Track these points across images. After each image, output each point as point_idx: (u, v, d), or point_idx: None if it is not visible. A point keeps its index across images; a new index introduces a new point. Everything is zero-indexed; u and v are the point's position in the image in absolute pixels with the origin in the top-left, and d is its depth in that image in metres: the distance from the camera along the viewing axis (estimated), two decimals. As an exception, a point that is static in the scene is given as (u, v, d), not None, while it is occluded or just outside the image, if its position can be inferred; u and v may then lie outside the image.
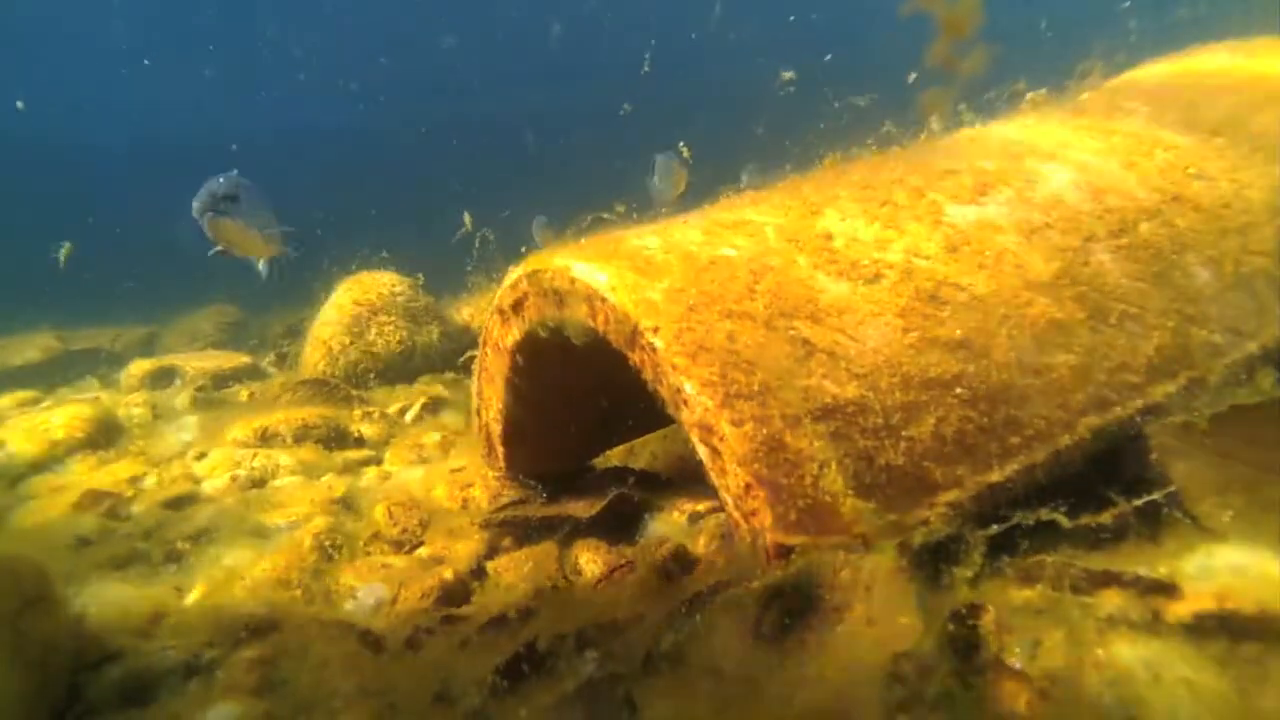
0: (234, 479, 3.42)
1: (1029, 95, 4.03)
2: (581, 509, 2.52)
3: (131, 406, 4.87)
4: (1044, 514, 1.74)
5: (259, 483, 3.42)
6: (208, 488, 3.39)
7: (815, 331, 1.93)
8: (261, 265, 4.41)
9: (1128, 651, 1.40)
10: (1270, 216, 2.58)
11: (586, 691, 1.62)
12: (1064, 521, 1.74)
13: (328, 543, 2.65)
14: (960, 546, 1.67)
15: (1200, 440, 1.91)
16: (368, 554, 2.65)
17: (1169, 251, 2.39)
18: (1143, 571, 1.60)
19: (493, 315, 2.49)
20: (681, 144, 5.19)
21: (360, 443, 4.01)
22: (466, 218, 6.38)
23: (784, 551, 1.63)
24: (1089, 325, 2.14)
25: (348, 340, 5.44)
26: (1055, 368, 2.03)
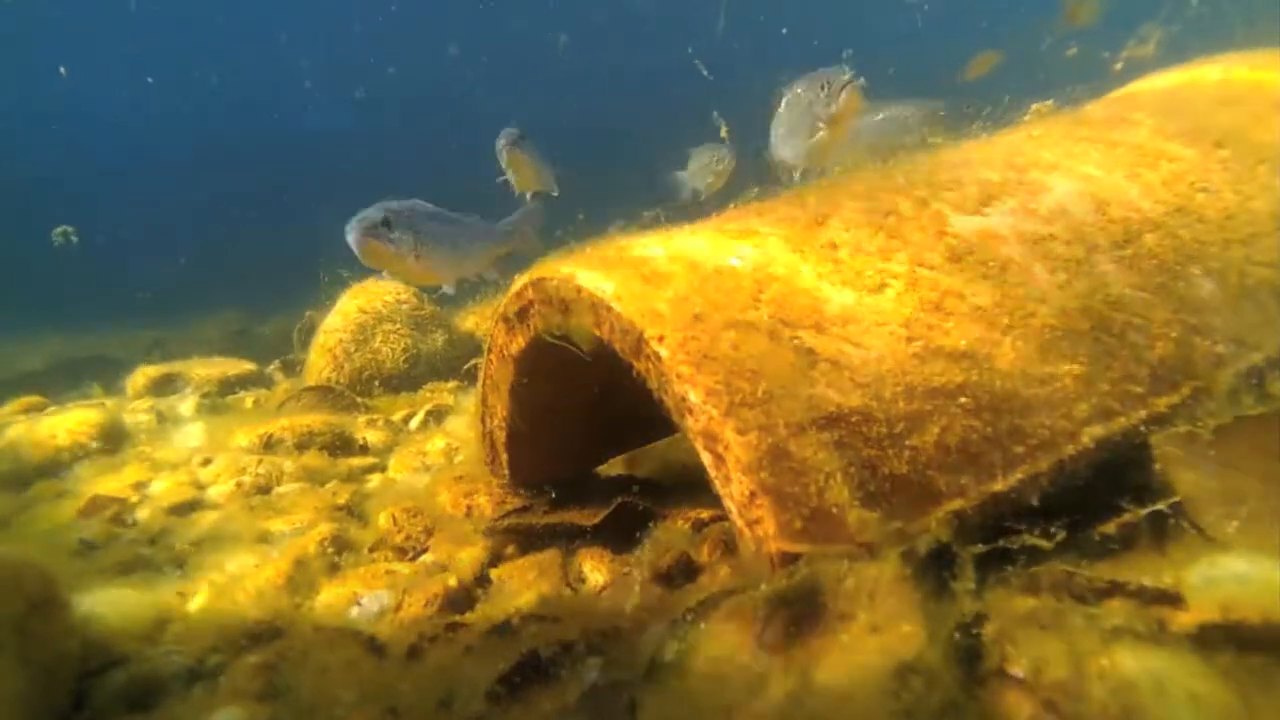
0: (239, 485, 3.43)
1: (1033, 106, 4.04)
2: (585, 516, 2.53)
3: (137, 412, 4.89)
4: (1028, 539, 1.73)
5: (263, 489, 3.43)
6: (212, 494, 3.40)
7: (819, 341, 1.93)
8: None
9: (1132, 662, 1.40)
10: (1275, 227, 2.58)
11: (590, 699, 1.62)
12: (1045, 545, 1.73)
13: (332, 549, 2.66)
14: (958, 560, 1.67)
15: (1205, 450, 1.91)
16: (372, 561, 2.66)
17: (1173, 262, 2.39)
18: (1147, 581, 1.60)
19: (498, 323, 2.50)
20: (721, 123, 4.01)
21: (365, 450, 4.01)
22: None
23: (788, 560, 1.64)
24: (1093, 336, 2.14)
25: (353, 347, 5.46)
26: (1059, 378, 2.04)
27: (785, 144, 3.22)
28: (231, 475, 3.51)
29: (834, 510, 1.70)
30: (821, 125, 3.00)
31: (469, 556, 2.54)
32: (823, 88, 3.05)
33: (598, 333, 2.06)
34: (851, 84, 3.01)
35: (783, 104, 3.29)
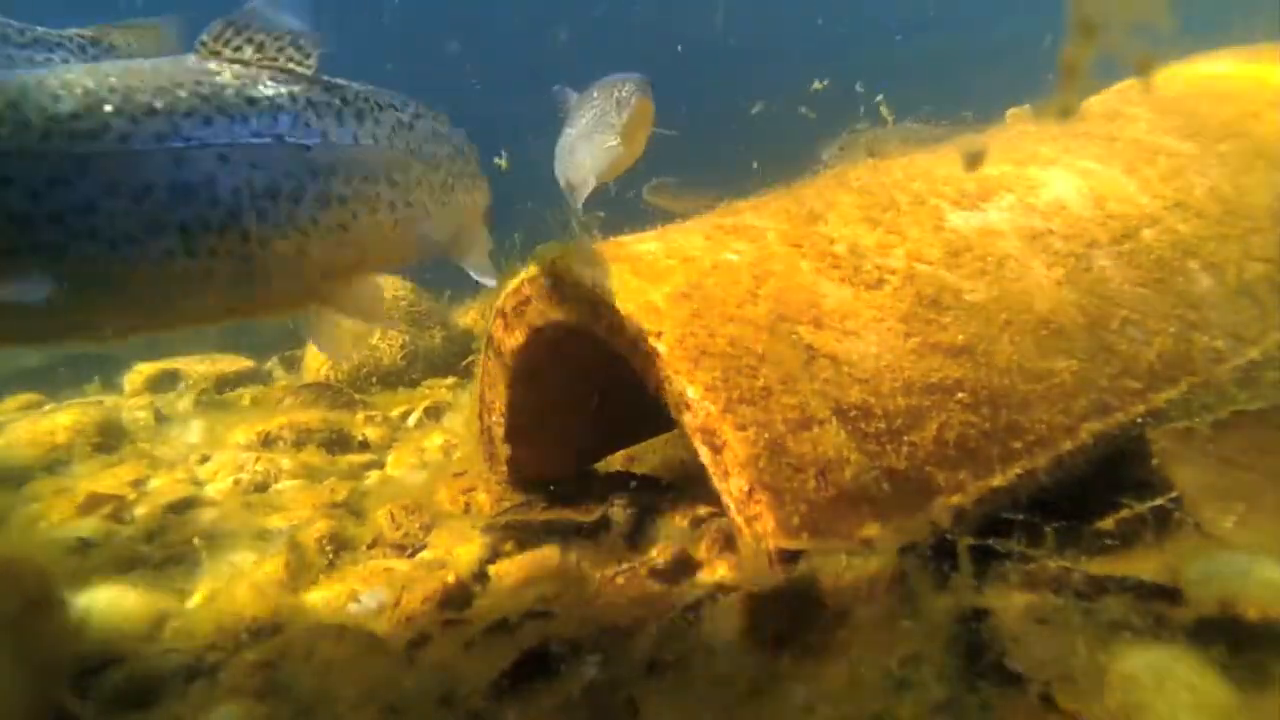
0: (236, 482, 3.42)
1: (1011, 110, 4.02)
2: (584, 513, 2.53)
3: (134, 410, 4.88)
4: (1015, 545, 1.72)
5: (261, 486, 3.42)
6: (210, 491, 3.39)
7: (818, 336, 1.93)
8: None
9: (1131, 657, 1.40)
10: (1272, 222, 2.58)
11: (589, 696, 1.62)
12: (1034, 554, 1.72)
13: (330, 546, 2.66)
14: (957, 556, 1.67)
15: (1203, 446, 1.91)
16: (370, 557, 2.66)
17: (1171, 258, 2.39)
18: (1146, 577, 1.60)
19: (495, 319, 2.49)
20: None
21: (363, 447, 4.01)
22: (503, 158, 5.28)
23: (787, 556, 1.63)
24: (1091, 331, 2.14)
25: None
26: (1057, 373, 2.04)
27: (571, 163, 2.83)
28: (229, 473, 3.51)
29: (832, 506, 1.70)
30: (615, 138, 2.65)
31: (467, 553, 2.53)
32: (609, 94, 2.68)
33: (595, 329, 2.06)
34: (639, 91, 2.62)
35: (576, 118, 2.88)
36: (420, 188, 1.93)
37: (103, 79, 1.57)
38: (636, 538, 2.45)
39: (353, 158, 1.78)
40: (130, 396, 5.57)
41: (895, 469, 1.78)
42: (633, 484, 2.70)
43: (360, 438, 4.08)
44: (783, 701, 1.41)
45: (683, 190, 5.83)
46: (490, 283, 2.21)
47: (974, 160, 2.33)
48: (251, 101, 1.68)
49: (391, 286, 5.81)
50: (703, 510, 2.42)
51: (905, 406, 1.86)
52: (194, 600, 2.40)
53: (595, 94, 2.80)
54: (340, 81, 1.89)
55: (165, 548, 2.80)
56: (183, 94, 1.61)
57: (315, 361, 5.46)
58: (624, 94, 2.69)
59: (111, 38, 2.48)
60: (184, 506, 3.21)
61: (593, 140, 2.79)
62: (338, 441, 3.94)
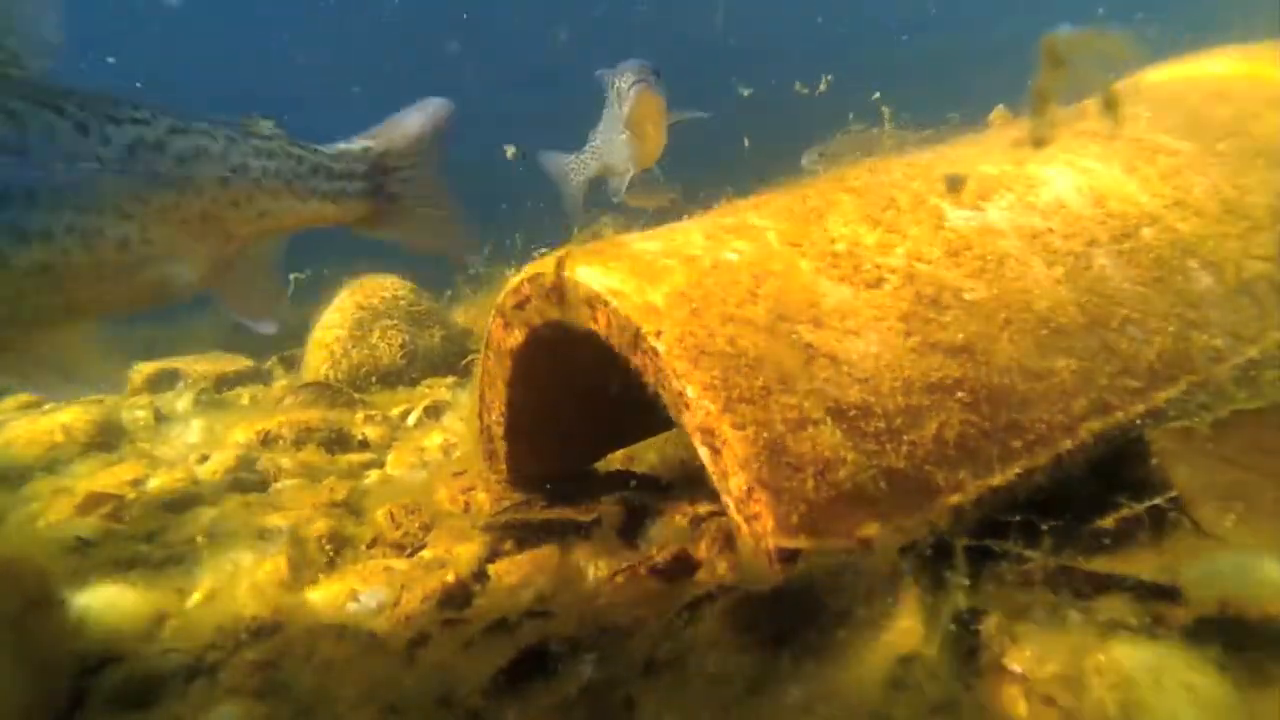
0: (236, 481, 3.43)
1: (995, 111, 4.02)
2: (583, 512, 2.52)
3: (134, 409, 4.88)
4: (1011, 546, 1.72)
5: (261, 485, 3.43)
6: (210, 490, 3.39)
7: (817, 335, 1.93)
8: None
9: (1129, 656, 1.40)
10: (1272, 221, 2.58)
11: (588, 694, 1.62)
12: (1032, 555, 1.72)
13: (329, 546, 2.66)
14: (955, 555, 1.67)
15: (1202, 445, 1.91)
16: (369, 557, 2.66)
17: (1170, 256, 2.39)
18: (1145, 577, 1.60)
19: (495, 318, 2.49)
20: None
21: (363, 446, 4.01)
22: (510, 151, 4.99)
23: (786, 555, 1.63)
24: (1090, 330, 2.14)
25: (350, 344, 5.45)
26: (1056, 372, 2.04)
27: (609, 148, 2.71)
28: (229, 472, 3.51)
29: (832, 506, 1.70)
30: (623, 131, 2.54)
31: (467, 552, 2.53)
32: (613, 86, 2.54)
33: (594, 327, 2.06)
34: (640, 82, 2.48)
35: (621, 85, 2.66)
36: (165, 221, 1.59)
37: None
38: (636, 537, 2.45)
39: (66, 183, 1.45)
40: (129, 396, 5.57)
41: (895, 468, 1.78)
42: (632, 483, 2.70)
43: (360, 437, 4.08)
44: (781, 701, 1.41)
45: (657, 188, 5.86)
46: (268, 330, 1.92)
47: (956, 184, 2.33)
48: None
49: (390, 287, 5.81)
50: (703, 509, 2.42)
51: (905, 406, 1.86)
52: (193, 599, 2.40)
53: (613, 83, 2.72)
54: (71, 88, 1.54)
55: (164, 547, 2.80)
56: None
57: (315, 360, 5.47)
58: (623, 85, 2.61)
59: None
60: (183, 505, 3.21)
61: (617, 130, 2.71)
62: (337, 441, 3.94)
